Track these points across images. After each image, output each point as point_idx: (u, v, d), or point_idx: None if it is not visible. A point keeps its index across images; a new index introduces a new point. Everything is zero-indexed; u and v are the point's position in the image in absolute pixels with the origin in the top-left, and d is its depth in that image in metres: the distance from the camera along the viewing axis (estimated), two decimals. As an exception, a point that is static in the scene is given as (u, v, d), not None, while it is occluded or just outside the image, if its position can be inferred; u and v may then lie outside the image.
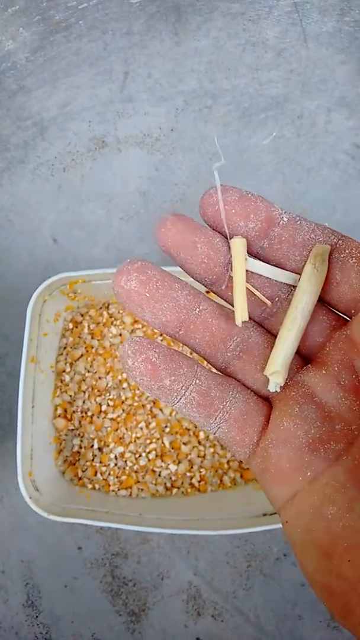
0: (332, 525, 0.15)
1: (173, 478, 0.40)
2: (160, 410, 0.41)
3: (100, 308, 0.43)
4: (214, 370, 0.19)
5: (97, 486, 0.39)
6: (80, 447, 0.40)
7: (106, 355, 0.42)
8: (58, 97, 0.44)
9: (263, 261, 0.18)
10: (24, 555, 0.42)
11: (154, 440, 0.40)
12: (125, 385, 0.41)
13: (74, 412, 0.41)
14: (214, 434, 0.18)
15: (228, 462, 0.40)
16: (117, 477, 0.40)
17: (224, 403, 0.18)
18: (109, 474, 0.40)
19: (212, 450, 0.40)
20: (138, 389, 0.41)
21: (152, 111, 0.45)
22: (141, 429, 0.40)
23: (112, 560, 0.42)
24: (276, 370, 0.17)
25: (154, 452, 0.40)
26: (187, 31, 0.43)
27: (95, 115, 0.45)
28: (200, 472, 0.40)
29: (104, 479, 0.40)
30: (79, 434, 0.41)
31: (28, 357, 0.35)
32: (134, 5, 0.42)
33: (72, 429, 0.41)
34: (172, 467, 0.40)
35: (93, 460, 0.40)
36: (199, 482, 0.40)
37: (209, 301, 0.18)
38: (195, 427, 0.41)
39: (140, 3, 0.42)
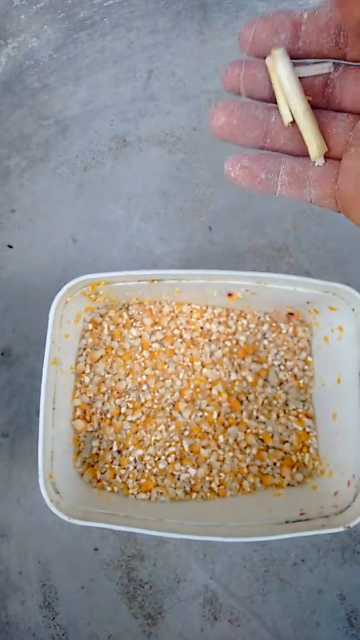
0: None
1: (192, 482, 0.39)
2: (180, 413, 0.40)
3: (120, 309, 0.43)
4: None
5: (115, 489, 0.39)
6: (99, 449, 0.40)
7: (126, 357, 0.41)
8: (81, 96, 0.43)
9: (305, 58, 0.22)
10: (41, 556, 0.42)
11: (173, 443, 0.40)
12: (144, 387, 0.41)
13: (93, 413, 0.41)
14: (311, 201, 0.23)
15: (248, 466, 0.40)
16: (136, 480, 0.39)
17: (307, 173, 0.23)
18: (128, 477, 0.39)
19: (231, 454, 0.40)
20: (158, 392, 0.41)
21: (175, 110, 0.45)
22: (160, 431, 0.40)
23: (129, 562, 0.42)
24: (315, 155, 0.22)
25: (173, 456, 0.40)
26: (212, 30, 0.43)
27: (117, 114, 0.44)
28: (219, 476, 0.40)
29: (122, 482, 0.39)
30: (97, 436, 0.40)
31: (50, 360, 0.35)
32: (160, 2, 0.41)
33: (91, 431, 0.40)
34: (192, 471, 0.39)
35: (112, 462, 0.40)
36: (219, 486, 0.39)
37: (277, 110, 0.22)
38: (215, 431, 0.40)
39: (166, 1, 0.41)
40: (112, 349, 0.42)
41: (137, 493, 0.39)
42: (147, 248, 0.46)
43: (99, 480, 0.40)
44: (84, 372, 0.41)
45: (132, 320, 0.42)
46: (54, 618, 0.41)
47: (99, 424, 0.40)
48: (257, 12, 0.42)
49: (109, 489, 0.39)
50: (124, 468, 0.40)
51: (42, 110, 0.43)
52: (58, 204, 0.45)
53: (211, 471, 0.40)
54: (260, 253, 0.46)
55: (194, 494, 0.39)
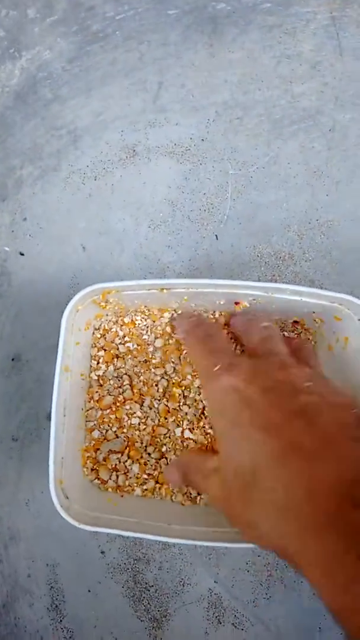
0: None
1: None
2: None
3: (127, 317, 0.43)
4: None
5: (124, 494, 0.40)
6: (109, 454, 0.41)
7: (137, 362, 0.42)
8: (92, 107, 0.44)
9: None
10: (48, 559, 0.42)
11: (183, 449, 0.40)
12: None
13: (103, 419, 0.41)
14: None
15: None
16: (144, 484, 0.40)
17: None
18: (137, 481, 0.40)
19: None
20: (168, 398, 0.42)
21: (184, 121, 0.46)
22: (170, 438, 0.41)
23: (135, 565, 0.43)
24: None
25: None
26: (222, 43, 0.43)
27: (127, 125, 0.45)
28: None
29: (129, 486, 0.40)
30: (107, 440, 0.41)
31: (61, 367, 0.35)
32: (170, 16, 0.42)
33: (104, 437, 0.41)
34: None
35: (122, 467, 0.40)
36: None
37: None
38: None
39: (177, 14, 0.42)
40: (123, 355, 0.42)
41: (145, 496, 0.40)
42: (154, 256, 0.46)
43: (107, 484, 0.40)
44: (94, 379, 0.42)
45: (141, 326, 0.43)
46: (61, 621, 0.41)
47: (109, 429, 0.41)
48: (266, 25, 0.43)
49: (117, 493, 0.40)
50: (133, 472, 0.40)
51: (54, 121, 0.44)
52: (68, 213, 0.46)
53: None
54: (266, 261, 0.46)
55: (199, 498, 0.40)
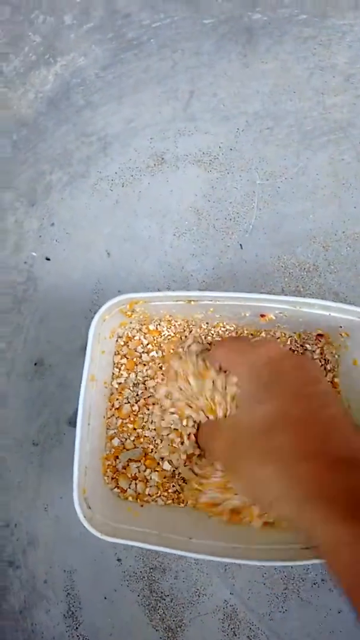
0: None
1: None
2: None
3: (152, 325, 0.43)
4: None
5: (144, 503, 0.40)
6: (128, 463, 0.41)
7: (159, 371, 0.42)
8: (123, 114, 0.44)
9: None
10: (66, 565, 0.42)
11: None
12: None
13: (124, 428, 0.41)
14: None
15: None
16: (165, 495, 0.40)
17: None
18: (158, 492, 0.40)
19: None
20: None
21: (213, 130, 0.45)
22: (190, 446, 0.41)
23: (151, 574, 0.43)
24: None
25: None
26: (255, 53, 0.43)
27: (157, 133, 0.45)
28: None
29: (148, 495, 0.40)
30: (127, 450, 0.41)
31: (88, 376, 0.35)
32: (206, 25, 0.42)
33: (123, 445, 0.41)
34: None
35: (143, 476, 0.40)
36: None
37: None
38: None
39: (212, 23, 0.42)
40: (146, 363, 0.42)
41: (166, 506, 0.40)
42: (178, 264, 0.46)
43: (128, 494, 0.40)
44: (115, 387, 0.42)
45: (165, 335, 0.43)
46: (77, 628, 0.41)
47: (128, 438, 0.41)
48: (301, 36, 0.43)
49: (137, 502, 0.40)
50: (155, 483, 0.40)
51: (85, 127, 0.44)
52: (95, 219, 0.46)
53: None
54: (290, 272, 0.46)
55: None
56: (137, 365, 0.42)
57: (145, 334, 0.43)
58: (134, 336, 0.43)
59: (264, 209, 0.46)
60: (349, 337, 0.41)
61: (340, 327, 0.40)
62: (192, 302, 0.38)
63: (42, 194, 0.45)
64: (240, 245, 0.46)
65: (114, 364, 0.43)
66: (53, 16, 0.42)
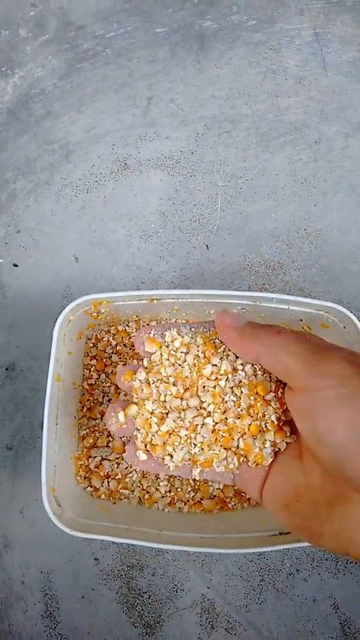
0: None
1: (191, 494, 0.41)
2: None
3: (120, 326, 0.44)
4: None
5: (116, 501, 0.40)
6: (101, 461, 0.42)
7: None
8: (84, 122, 0.45)
9: None
10: (43, 566, 0.43)
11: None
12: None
13: (95, 428, 0.42)
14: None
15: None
16: (133, 491, 0.41)
17: None
18: (130, 489, 0.41)
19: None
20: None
21: (174, 135, 0.47)
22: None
23: (128, 572, 0.43)
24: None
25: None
26: (209, 59, 0.45)
27: (118, 139, 0.46)
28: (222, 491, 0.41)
29: (122, 493, 0.41)
30: (99, 448, 0.42)
31: (54, 376, 0.36)
32: (159, 34, 0.43)
33: (94, 444, 0.42)
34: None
35: (113, 474, 0.41)
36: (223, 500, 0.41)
37: None
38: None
39: (165, 32, 0.43)
40: (116, 364, 0.43)
41: (137, 504, 0.40)
42: (146, 266, 0.47)
43: (99, 492, 0.41)
44: (87, 388, 0.42)
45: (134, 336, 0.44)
46: (55, 627, 0.42)
47: (99, 437, 0.42)
48: (252, 41, 0.44)
49: (110, 500, 0.40)
50: (124, 480, 0.41)
51: (46, 136, 0.45)
52: (61, 225, 0.47)
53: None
54: (256, 270, 0.47)
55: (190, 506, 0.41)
56: (107, 366, 0.43)
57: (114, 334, 0.44)
58: (102, 337, 0.44)
59: (228, 210, 0.47)
60: (311, 331, 0.42)
61: (301, 320, 0.41)
62: (155, 301, 0.39)
63: (6, 202, 0.46)
64: (207, 245, 0.47)
65: (84, 365, 0.43)
66: (8, 29, 0.44)
